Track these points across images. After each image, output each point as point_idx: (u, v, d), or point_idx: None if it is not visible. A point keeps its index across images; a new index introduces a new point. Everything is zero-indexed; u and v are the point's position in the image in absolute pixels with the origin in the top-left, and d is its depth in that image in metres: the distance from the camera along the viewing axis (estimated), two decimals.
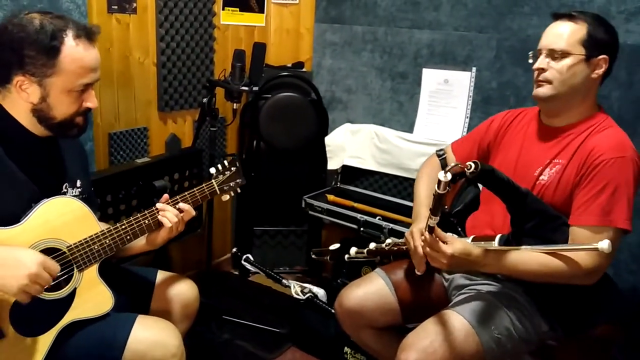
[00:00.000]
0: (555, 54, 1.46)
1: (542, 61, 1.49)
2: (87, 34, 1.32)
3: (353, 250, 1.85)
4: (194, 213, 1.53)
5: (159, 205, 1.49)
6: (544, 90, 1.49)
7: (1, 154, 1.29)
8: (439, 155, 1.80)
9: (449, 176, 1.22)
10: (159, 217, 1.47)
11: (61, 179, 1.43)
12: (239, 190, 1.67)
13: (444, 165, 1.77)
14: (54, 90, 1.29)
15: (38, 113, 1.32)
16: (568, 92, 1.47)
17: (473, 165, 1.29)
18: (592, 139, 1.44)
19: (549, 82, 1.47)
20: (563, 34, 1.46)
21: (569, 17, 1.48)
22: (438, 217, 1.32)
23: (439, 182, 1.23)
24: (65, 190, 1.44)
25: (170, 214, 1.47)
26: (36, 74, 1.27)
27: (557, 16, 1.51)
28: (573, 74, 1.45)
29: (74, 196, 1.44)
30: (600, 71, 1.46)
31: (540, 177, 1.50)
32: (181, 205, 1.50)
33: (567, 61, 1.45)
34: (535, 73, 1.51)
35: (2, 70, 1.28)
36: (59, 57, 1.27)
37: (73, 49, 1.28)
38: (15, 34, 1.25)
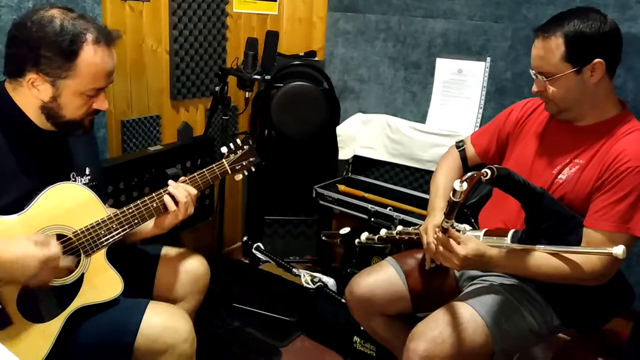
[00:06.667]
0: (545, 76, 1.41)
1: (537, 83, 1.45)
2: (107, 39, 1.31)
3: (364, 235, 1.84)
4: (195, 192, 1.50)
5: (170, 183, 1.48)
6: (549, 108, 1.50)
7: (6, 146, 1.29)
8: (458, 147, 1.78)
9: (465, 186, 1.20)
10: (164, 197, 1.46)
11: (68, 169, 1.44)
12: (253, 169, 1.65)
13: (463, 157, 1.75)
14: (66, 91, 1.29)
15: (47, 111, 1.32)
16: (574, 104, 1.43)
17: (489, 172, 1.26)
18: (619, 143, 1.38)
19: (551, 100, 1.45)
20: (543, 55, 1.39)
21: (544, 31, 1.39)
22: (452, 220, 1.30)
23: (454, 191, 1.21)
24: (74, 179, 1.44)
25: (179, 193, 1.46)
26: (50, 74, 1.26)
27: (535, 33, 1.43)
28: (569, 89, 1.40)
29: (83, 184, 1.44)
30: (598, 75, 1.37)
31: (559, 176, 1.46)
32: (189, 188, 1.49)
33: (558, 81, 1.39)
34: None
35: (16, 64, 1.28)
36: (76, 61, 1.26)
37: (91, 54, 1.27)
38: (33, 32, 1.24)
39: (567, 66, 1.37)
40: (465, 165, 1.75)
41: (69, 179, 1.42)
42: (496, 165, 1.28)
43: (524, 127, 1.62)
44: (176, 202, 1.47)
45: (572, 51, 1.36)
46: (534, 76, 1.46)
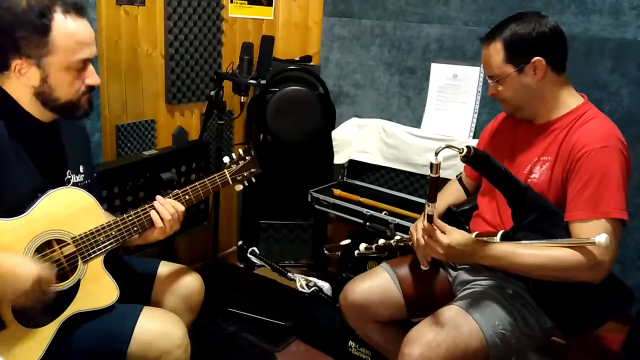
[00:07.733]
0: (493, 79, 1.50)
1: (490, 87, 1.54)
2: (76, 9, 1.30)
3: (362, 246, 1.87)
4: (182, 208, 1.49)
5: (158, 199, 1.47)
6: (505, 109, 1.59)
7: (5, 141, 1.28)
8: (457, 176, 1.86)
9: (440, 158, 1.24)
10: (151, 213, 1.45)
11: (63, 165, 1.43)
12: (253, 180, 1.65)
13: (460, 181, 1.82)
14: (52, 69, 1.28)
15: (41, 96, 1.31)
16: (525, 102, 1.50)
17: (466, 149, 1.30)
18: (576, 133, 1.42)
19: (504, 101, 1.53)
20: (488, 60, 1.50)
21: (486, 39, 1.50)
22: (435, 204, 1.32)
23: (431, 165, 1.24)
24: (69, 176, 1.43)
25: (165, 210, 1.45)
26: (32, 55, 1.26)
27: (480, 42, 1.53)
28: (516, 89, 1.48)
29: (78, 182, 1.44)
30: (540, 72, 1.44)
31: (531, 175, 1.49)
32: (177, 205, 1.48)
33: (505, 82, 1.48)
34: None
35: None
36: (50, 34, 1.25)
37: (63, 25, 1.27)
38: (4, 18, 1.24)
39: (509, 67, 1.46)
40: (466, 190, 1.82)
41: (65, 176, 1.42)
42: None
43: (493, 137, 1.70)
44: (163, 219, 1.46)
45: (510, 53, 1.45)
46: (488, 81, 1.54)
